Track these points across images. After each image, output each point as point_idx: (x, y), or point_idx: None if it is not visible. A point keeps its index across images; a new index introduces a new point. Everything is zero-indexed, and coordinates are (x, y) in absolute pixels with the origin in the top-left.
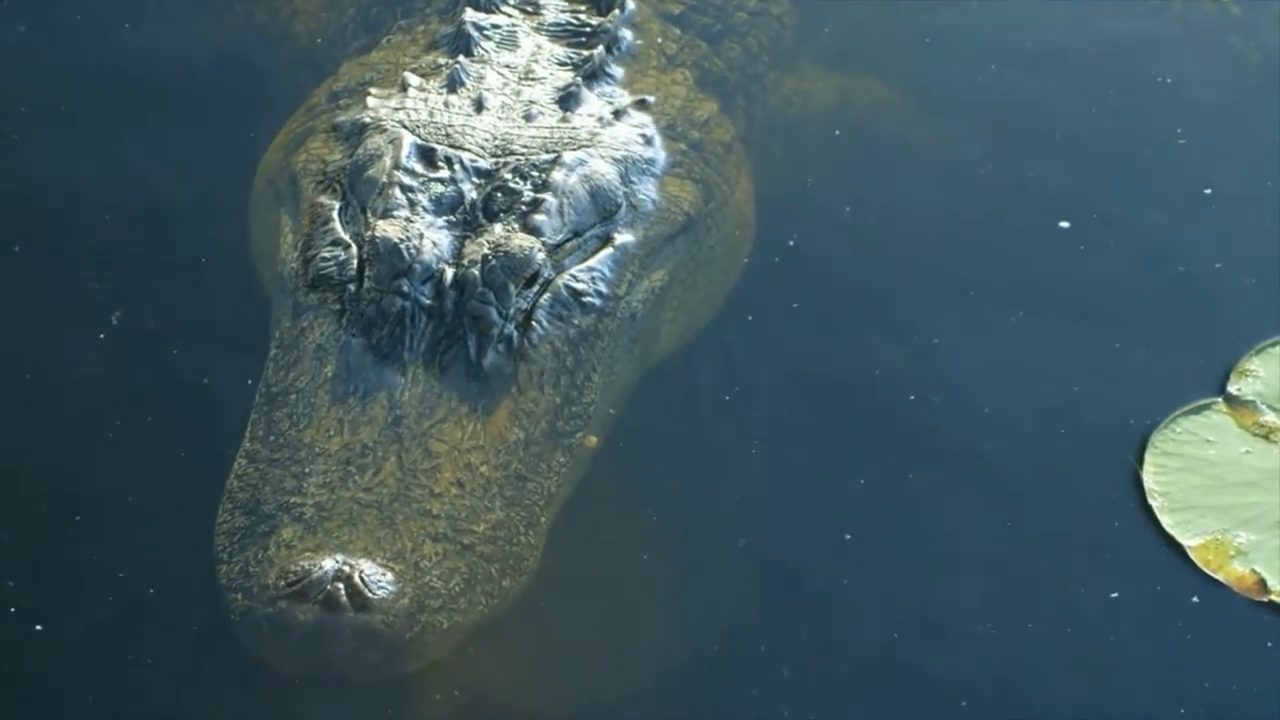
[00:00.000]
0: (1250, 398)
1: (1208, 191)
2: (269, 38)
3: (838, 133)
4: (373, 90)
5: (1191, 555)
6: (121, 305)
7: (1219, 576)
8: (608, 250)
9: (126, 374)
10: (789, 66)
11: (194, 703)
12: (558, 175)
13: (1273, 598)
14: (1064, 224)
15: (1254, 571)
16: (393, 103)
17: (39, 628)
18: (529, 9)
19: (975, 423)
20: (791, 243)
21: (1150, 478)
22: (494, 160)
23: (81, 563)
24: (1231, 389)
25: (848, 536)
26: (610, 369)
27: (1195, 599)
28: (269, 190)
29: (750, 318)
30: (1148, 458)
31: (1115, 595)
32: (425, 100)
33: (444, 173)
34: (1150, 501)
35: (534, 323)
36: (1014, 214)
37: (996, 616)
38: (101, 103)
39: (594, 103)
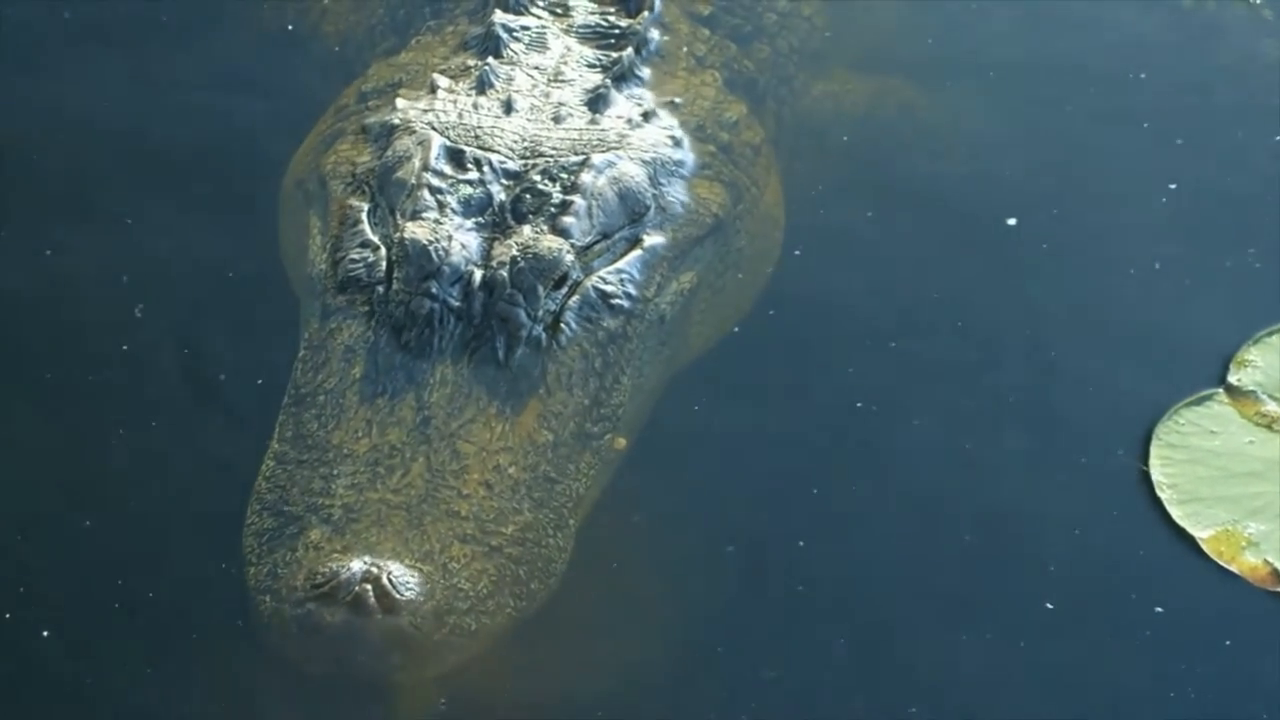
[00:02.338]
0: (1251, 388)
1: (1172, 186)
2: (298, 38)
3: (868, 135)
4: (401, 91)
5: (1203, 547)
6: (150, 306)
7: (1232, 568)
8: (636, 252)
9: (154, 376)
10: (819, 69)
11: (221, 704)
12: (586, 177)
13: None
14: (1011, 220)
15: (1266, 562)
16: (421, 104)
17: (45, 633)
18: (558, 11)
19: (986, 420)
20: (821, 246)
21: (1157, 469)
22: (523, 162)
23: (107, 565)
24: (1232, 379)
25: (895, 544)
26: (639, 371)
27: (1210, 591)
28: (298, 192)
29: (779, 321)
30: (1153, 450)
31: (1129, 589)
32: (454, 102)
33: (473, 174)
34: (1159, 494)
35: (562, 324)
36: (1033, 212)
37: (1009, 615)
38: (125, 102)
39: (623, 104)
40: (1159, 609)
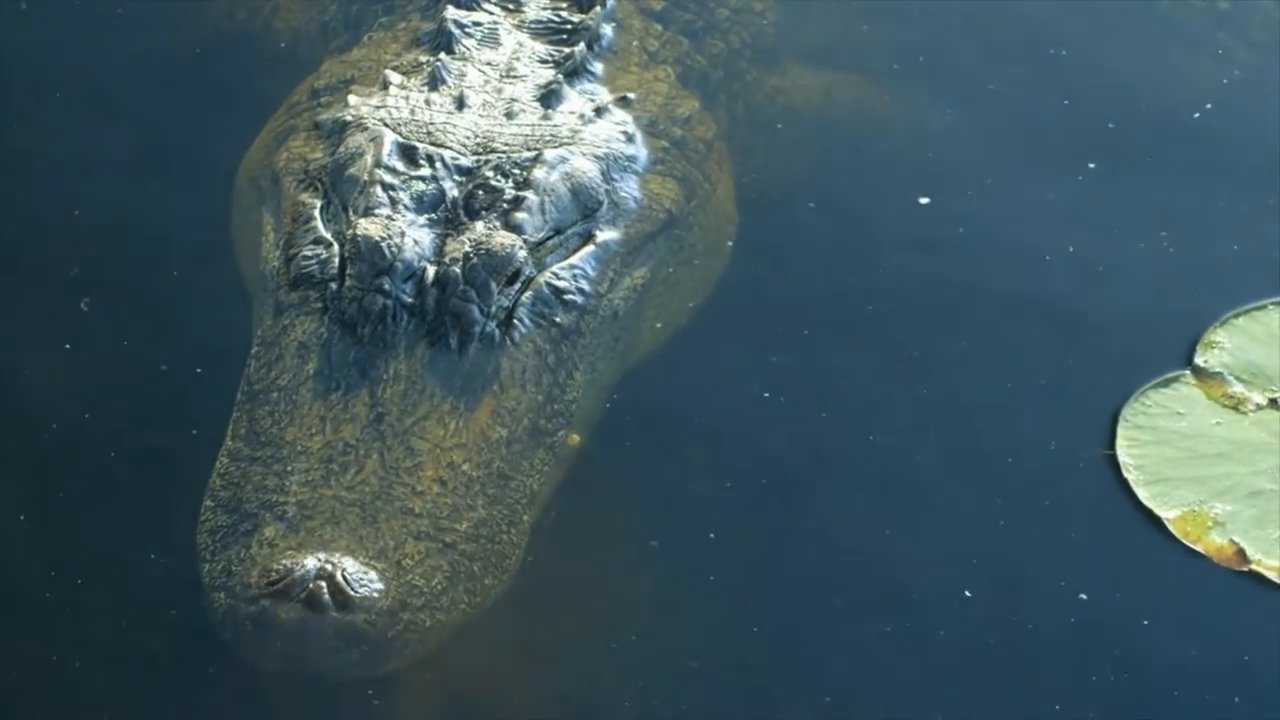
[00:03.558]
0: (1218, 369)
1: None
2: (250, 35)
3: (820, 130)
4: (354, 88)
5: (1170, 527)
6: (101, 305)
7: (1198, 548)
8: (589, 248)
9: (106, 374)
10: (771, 64)
11: (175, 702)
12: (539, 173)
13: (1253, 567)
14: (923, 200)
15: (1233, 542)
16: (374, 100)
17: (14, 629)
18: (510, 6)
19: (956, 409)
20: (774, 241)
21: (1124, 451)
22: (475, 158)
23: (57, 563)
24: (1199, 361)
25: (829, 532)
26: (592, 367)
27: (1176, 571)
28: (251, 189)
29: (731, 316)
30: (1120, 431)
31: (1095, 568)
32: (406, 98)
33: (425, 171)
34: (1125, 475)
35: (516, 321)
36: (989, 209)
37: (979, 600)
38: (81, 98)
39: (575, 100)
40: (1083, 595)
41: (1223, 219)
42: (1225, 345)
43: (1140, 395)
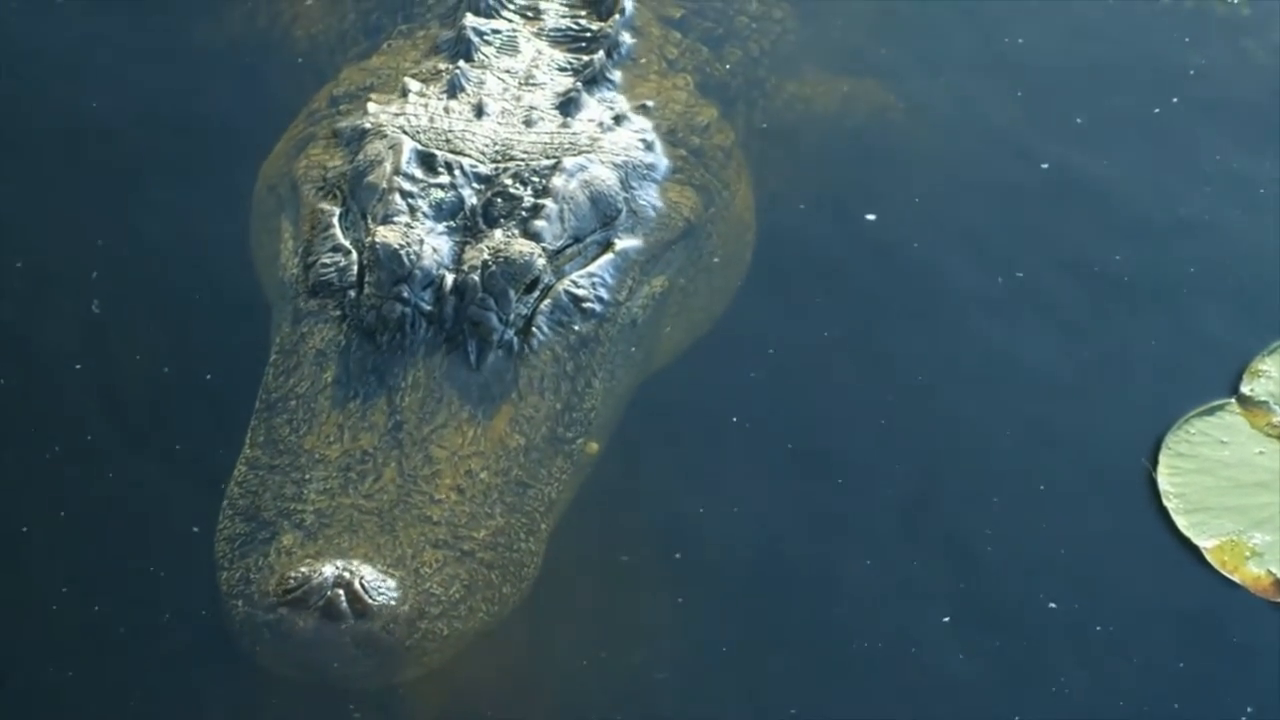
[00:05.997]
0: (1263, 398)
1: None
2: (269, 42)
3: (839, 138)
4: (373, 96)
5: (1207, 556)
6: (116, 311)
7: (1235, 578)
8: (608, 256)
9: (125, 381)
10: (790, 71)
11: (194, 709)
12: (558, 181)
13: None
14: (870, 216)
15: (1269, 573)
16: (393, 108)
17: (10, 639)
18: (529, 14)
19: (985, 428)
20: (793, 249)
21: (1164, 479)
22: (494, 166)
23: (81, 570)
24: (1244, 390)
25: (847, 545)
26: (611, 375)
27: (1213, 600)
28: (269, 196)
29: (750, 324)
30: (1162, 459)
31: (1131, 595)
32: (425, 105)
33: (444, 178)
34: (1165, 503)
35: (534, 329)
36: (1014, 217)
37: (1011, 622)
38: (100, 103)
39: (594, 108)
40: (1116, 625)
41: (1273, 245)
42: (1272, 374)
43: (1184, 423)
